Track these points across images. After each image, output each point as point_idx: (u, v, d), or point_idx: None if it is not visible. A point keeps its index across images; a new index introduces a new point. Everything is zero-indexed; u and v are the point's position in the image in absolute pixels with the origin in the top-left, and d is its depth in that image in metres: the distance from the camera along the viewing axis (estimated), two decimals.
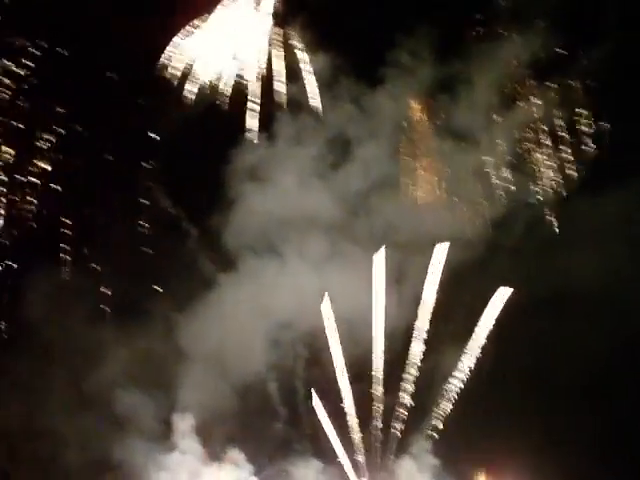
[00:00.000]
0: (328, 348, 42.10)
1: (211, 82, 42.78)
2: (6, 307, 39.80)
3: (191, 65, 42.72)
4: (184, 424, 40.49)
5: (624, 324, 42.20)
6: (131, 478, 39.40)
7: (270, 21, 43.77)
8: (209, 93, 42.79)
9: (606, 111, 44.80)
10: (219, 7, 42.87)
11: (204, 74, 42.86)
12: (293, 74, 44.59)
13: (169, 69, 42.24)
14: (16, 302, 39.60)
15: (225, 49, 43.34)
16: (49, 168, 40.34)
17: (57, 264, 40.03)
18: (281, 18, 44.64)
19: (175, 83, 42.43)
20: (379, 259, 42.02)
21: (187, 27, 42.63)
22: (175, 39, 42.39)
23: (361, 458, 41.63)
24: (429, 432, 42.34)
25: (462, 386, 42.61)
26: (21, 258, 40.31)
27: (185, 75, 42.63)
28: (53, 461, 38.88)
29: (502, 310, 42.40)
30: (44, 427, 38.79)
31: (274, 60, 44.32)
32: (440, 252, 42.59)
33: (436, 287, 42.66)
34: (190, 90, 42.49)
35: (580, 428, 41.53)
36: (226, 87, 42.92)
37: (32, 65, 40.20)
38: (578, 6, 44.05)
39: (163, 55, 42.11)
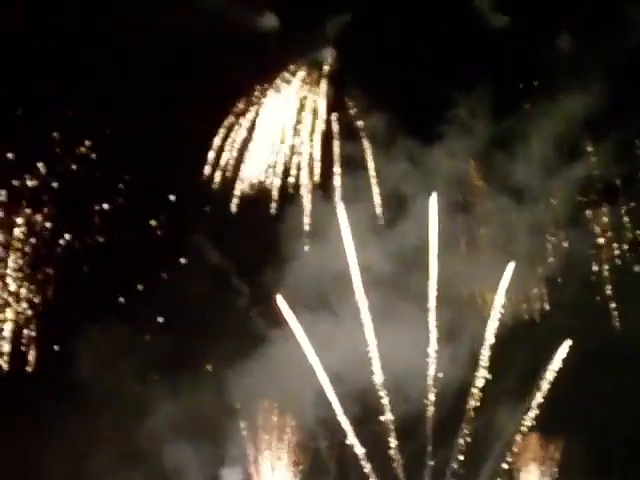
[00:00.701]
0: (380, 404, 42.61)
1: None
2: (58, 362, 40.53)
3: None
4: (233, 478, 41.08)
5: None
6: None
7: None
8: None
9: None
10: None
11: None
12: (351, 133, 45.48)
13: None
14: (68, 357, 40.16)
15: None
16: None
17: (109, 320, 40.62)
18: (338, 77, 45.68)
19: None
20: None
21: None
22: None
23: None
24: None
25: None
26: (72, 313, 40.82)
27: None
28: None
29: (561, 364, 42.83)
30: None
31: (332, 119, 45.45)
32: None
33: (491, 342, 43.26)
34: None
35: None
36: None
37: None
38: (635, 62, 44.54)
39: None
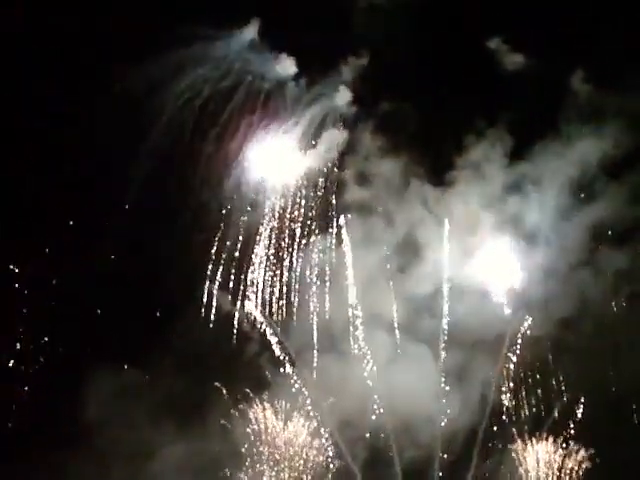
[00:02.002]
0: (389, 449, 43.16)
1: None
2: (67, 407, 40.84)
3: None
4: None
5: None
6: None
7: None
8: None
9: None
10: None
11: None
12: (364, 178, 46.20)
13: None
14: (77, 403, 40.49)
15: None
16: None
17: (117, 364, 41.77)
18: (352, 124, 46.48)
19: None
20: None
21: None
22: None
23: None
24: None
25: None
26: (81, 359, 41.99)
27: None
28: None
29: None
30: None
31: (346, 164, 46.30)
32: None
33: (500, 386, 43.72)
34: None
35: None
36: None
37: None
38: None
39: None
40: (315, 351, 43.66)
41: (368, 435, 43.20)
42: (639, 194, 44.99)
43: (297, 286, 44.26)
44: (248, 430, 42.06)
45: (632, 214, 44.88)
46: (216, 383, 41.67)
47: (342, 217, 45.38)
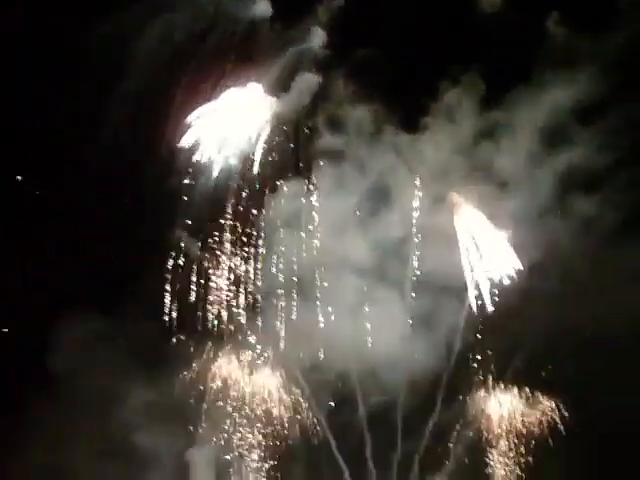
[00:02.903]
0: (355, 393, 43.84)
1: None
2: (33, 356, 41.73)
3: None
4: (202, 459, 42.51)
5: None
6: None
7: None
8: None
9: None
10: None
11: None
12: (336, 124, 46.15)
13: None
14: (44, 352, 41.37)
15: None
16: None
17: (85, 312, 41.53)
18: (325, 69, 46.36)
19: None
20: None
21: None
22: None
23: None
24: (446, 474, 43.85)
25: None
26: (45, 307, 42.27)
27: None
28: None
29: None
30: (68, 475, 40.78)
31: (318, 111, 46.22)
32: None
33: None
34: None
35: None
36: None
37: None
38: (621, 52, 44.35)
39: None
40: (282, 297, 44.02)
41: (333, 380, 43.92)
42: (610, 141, 44.91)
43: (264, 233, 43.99)
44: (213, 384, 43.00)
45: (602, 161, 44.81)
46: (181, 336, 42.56)
47: (313, 163, 45.29)
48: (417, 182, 46.11)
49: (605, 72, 44.82)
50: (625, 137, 44.67)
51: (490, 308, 44.24)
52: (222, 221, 43.90)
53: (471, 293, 44.32)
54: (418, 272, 45.22)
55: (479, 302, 44.36)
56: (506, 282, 44.67)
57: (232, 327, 43.43)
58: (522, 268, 44.72)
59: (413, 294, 44.95)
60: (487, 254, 45.04)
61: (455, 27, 46.06)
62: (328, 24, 46.39)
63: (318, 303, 44.06)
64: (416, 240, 45.63)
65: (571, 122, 45.65)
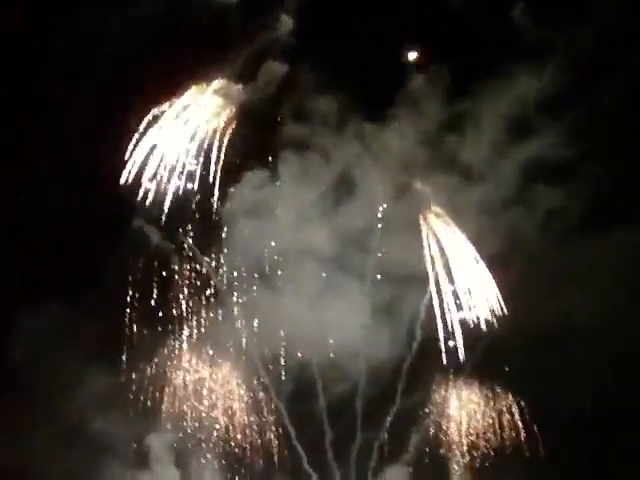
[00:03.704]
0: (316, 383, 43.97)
1: None
2: None
3: None
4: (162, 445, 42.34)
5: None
6: None
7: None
8: None
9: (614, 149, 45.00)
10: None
11: None
12: (301, 114, 46.20)
13: None
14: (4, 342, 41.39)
15: None
16: None
17: (46, 302, 41.55)
18: (290, 59, 46.32)
19: None
20: None
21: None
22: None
23: None
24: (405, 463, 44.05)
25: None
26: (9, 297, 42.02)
27: None
28: None
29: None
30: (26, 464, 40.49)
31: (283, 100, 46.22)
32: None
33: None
34: None
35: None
36: None
37: None
38: (589, 43, 44.42)
39: None
40: (244, 285, 44.18)
41: (294, 370, 43.95)
42: (575, 133, 45.06)
43: (226, 224, 44.03)
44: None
45: (567, 153, 44.97)
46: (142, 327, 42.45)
47: (278, 153, 45.30)
48: (382, 172, 45.71)
49: (571, 63, 45.02)
50: (590, 128, 44.77)
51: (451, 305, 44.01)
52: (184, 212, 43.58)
53: (433, 289, 44.10)
54: (381, 262, 44.81)
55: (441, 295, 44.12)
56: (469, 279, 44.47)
57: (193, 317, 43.13)
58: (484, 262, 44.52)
59: (375, 282, 44.71)
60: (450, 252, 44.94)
61: (422, 18, 45.97)
62: (296, 12, 46.47)
63: (279, 292, 43.97)
64: (379, 229, 45.39)
65: (537, 113, 45.83)
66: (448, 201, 45.88)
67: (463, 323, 43.84)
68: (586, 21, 44.81)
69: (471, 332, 43.70)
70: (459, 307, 44.16)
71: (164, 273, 43.60)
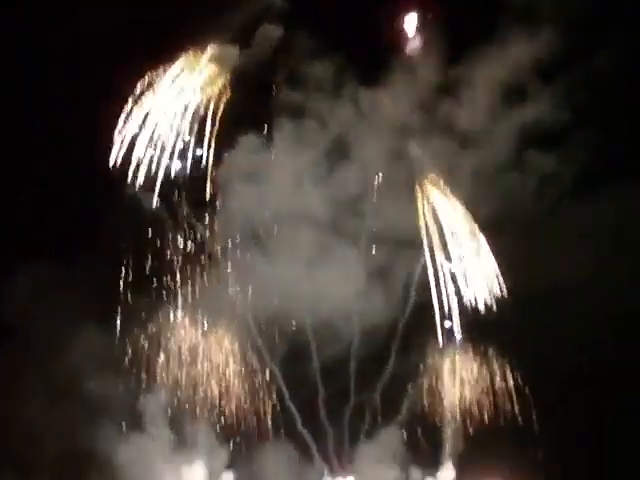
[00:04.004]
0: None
1: None
2: None
3: None
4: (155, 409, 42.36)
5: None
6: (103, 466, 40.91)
7: None
8: None
9: (607, 114, 45.11)
10: None
11: None
12: (296, 79, 46.23)
13: None
14: None
15: None
16: None
17: (38, 261, 41.22)
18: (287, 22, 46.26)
19: None
20: None
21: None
22: None
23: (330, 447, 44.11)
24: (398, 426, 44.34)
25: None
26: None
27: None
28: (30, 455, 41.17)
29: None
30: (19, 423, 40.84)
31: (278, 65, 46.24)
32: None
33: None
34: None
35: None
36: None
37: None
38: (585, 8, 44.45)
39: None
40: (237, 251, 44.24)
41: (288, 333, 44.37)
42: (569, 98, 45.19)
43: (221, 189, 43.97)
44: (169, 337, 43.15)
45: (561, 118, 45.13)
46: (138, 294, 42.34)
47: (273, 118, 45.30)
48: (377, 137, 45.82)
49: (567, 29, 45.00)
50: (585, 94, 44.91)
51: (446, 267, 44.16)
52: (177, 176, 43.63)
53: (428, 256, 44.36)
54: (375, 227, 44.99)
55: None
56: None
57: (188, 282, 43.29)
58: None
59: (370, 247, 45.11)
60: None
61: None
62: None
63: (274, 257, 44.32)
64: (374, 194, 45.51)
65: (532, 79, 45.91)
66: (443, 166, 45.69)
67: (458, 294, 43.91)
68: None
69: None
70: (453, 277, 44.09)
71: (158, 238, 43.13)
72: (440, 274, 44.09)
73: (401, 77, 46.22)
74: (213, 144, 43.71)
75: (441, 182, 45.58)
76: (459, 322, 43.91)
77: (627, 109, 45.27)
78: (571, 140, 44.88)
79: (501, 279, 44.03)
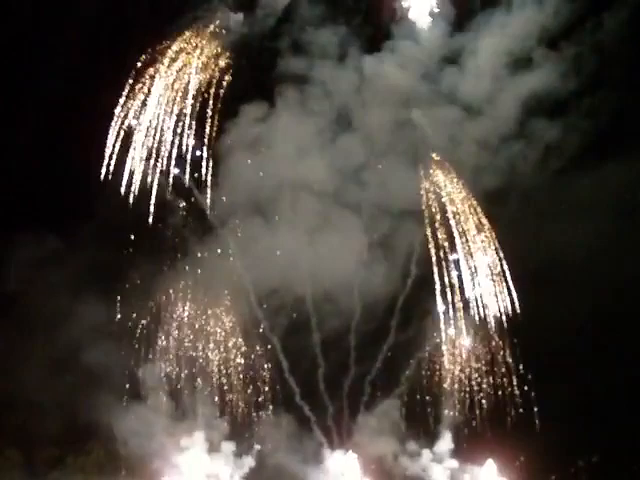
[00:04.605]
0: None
1: None
2: None
3: None
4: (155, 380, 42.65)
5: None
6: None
7: None
8: None
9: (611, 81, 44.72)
10: None
11: None
12: (300, 47, 45.94)
13: None
14: None
15: None
16: None
17: (37, 232, 41.35)
18: None
19: None
20: None
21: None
22: None
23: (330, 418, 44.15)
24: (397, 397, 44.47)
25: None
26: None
27: None
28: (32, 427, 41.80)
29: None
30: (20, 395, 41.05)
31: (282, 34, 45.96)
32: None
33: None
34: None
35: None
36: None
37: None
38: None
39: None
40: (238, 221, 44.21)
41: (289, 305, 44.30)
42: (574, 67, 44.77)
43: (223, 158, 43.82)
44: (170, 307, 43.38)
45: (566, 87, 44.72)
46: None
47: (276, 86, 45.05)
48: (380, 106, 45.52)
49: None
50: (589, 64, 44.53)
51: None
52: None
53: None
54: (377, 197, 44.78)
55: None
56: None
57: (189, 252, 43.51)
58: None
59: (371, 217, 44.89)
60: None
61: None
62: None
63: (275, 227, 44.23)
64: (376, 163, 45.37)
65: (537, 48, 45.44)
66: (446, 136, 45.45)
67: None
68: None
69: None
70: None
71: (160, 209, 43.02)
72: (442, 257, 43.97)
73: (405, 45, 45.80)
74: (216, 120, 43.58)
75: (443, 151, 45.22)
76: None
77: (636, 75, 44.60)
78: (576, 108, 44.54)
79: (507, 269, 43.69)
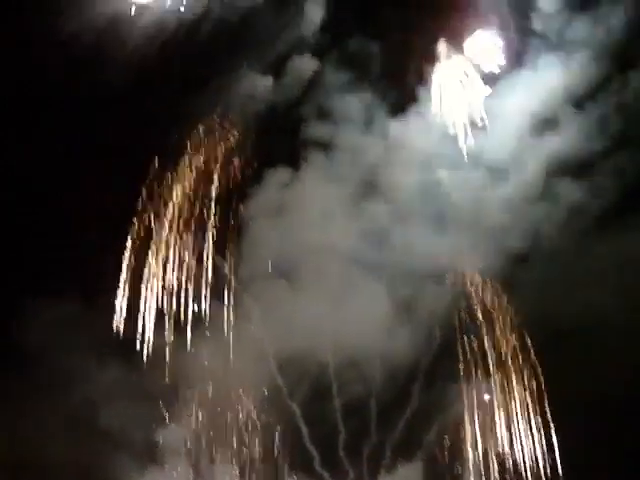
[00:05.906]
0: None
1: None
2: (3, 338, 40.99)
3: None
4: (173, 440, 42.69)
5: None
6: None
7: None
8: None
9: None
10: None
11: None
12: (325, 112, 46.55)
13: None
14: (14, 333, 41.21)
15: None
16: None
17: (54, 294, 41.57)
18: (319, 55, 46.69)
19: None
20: None
21: None
22: None
23: None
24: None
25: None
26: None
27: None
28: None
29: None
30: (36, 457, 40.48)
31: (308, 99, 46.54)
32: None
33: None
34: None
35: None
36: None
37: None
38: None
39: None
40: (262, 284, 44.39)
41: (311, 371, 44.02)
42: (599, 128, 44.34)
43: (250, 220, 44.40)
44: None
45: (591, 148, 44.23)
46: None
47: (301, 151, 45.77)
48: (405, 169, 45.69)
49: (597, 58, 44.41)
50: (614, 124, 44.03)
51: None
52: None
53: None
54: (402, 260, 44.68)
55: None
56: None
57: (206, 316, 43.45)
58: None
59: (394, 281, 44.61)
60: None
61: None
62: (324, 8, 46.56)
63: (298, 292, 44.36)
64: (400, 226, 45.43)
65: (562, 107, 45.07)
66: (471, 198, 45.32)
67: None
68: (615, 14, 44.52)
69: None
70: None
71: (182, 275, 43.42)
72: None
73: (428, 107, 45.93)
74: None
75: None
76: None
77: None
78: (601, 169, 44.05)
79: None
